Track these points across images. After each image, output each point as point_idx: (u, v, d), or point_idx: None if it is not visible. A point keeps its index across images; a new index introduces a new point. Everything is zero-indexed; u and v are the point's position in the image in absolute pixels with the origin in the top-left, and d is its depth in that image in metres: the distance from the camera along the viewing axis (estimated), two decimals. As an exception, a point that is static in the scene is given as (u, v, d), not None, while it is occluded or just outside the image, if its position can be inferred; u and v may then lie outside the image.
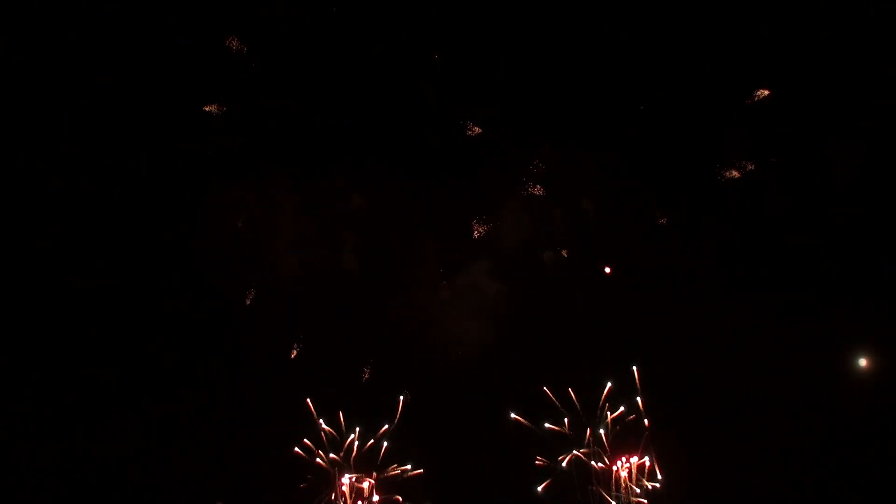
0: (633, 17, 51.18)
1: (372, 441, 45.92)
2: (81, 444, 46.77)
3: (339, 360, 50.00)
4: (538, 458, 45.45)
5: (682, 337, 47.72)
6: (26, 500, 45.66)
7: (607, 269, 50.08)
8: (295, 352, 49.37)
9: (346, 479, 45.27)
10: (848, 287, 48.05)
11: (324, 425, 45.98)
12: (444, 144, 52.24)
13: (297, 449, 45.71)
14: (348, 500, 45.10)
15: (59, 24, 49.22)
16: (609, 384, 45.44)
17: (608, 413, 45.08)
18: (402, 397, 46.58)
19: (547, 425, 45.57)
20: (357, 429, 45.94)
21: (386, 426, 46.19)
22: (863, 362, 46.71)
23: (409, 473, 45.45)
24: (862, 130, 49.18)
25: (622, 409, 45.22)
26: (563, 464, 45.04)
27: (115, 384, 48.32)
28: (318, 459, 45.55)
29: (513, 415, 46.11)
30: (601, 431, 45.16)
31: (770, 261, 49.15)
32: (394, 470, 45.78)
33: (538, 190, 50.71)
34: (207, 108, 50.64)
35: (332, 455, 45.76)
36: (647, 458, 44.51)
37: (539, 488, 44.97)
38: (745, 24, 49.67)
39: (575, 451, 44.96)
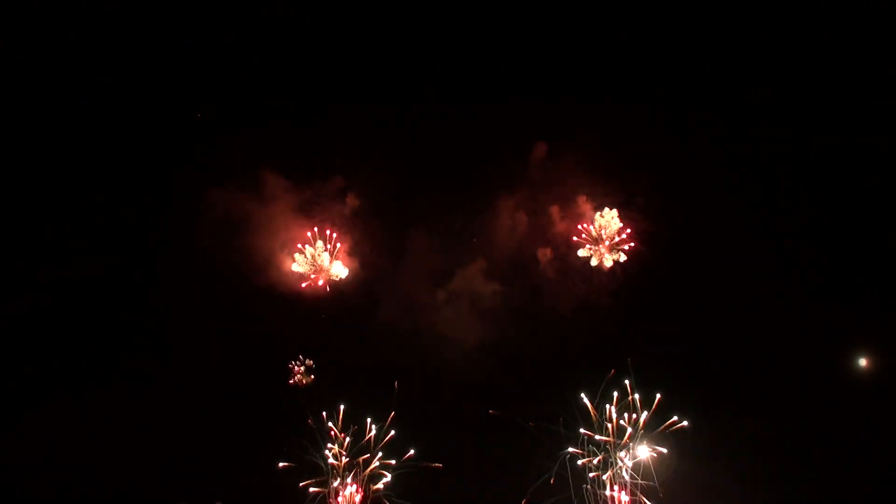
0: (633, 18, 51.46)
1: (370, 436, 45.80)
2: (81, 445, 46.89)
3: (338, 360, 50.16)
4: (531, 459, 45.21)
5: (678, 333, 47.68)
6: (28, 499, 45.96)
7: (608, 265, 49.86)
8: (292, 363, 49.34)
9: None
10: (848, 287, 47.93)
11: (314, 423, 45.98)
12: (443, 144, 52.55)
13: (291, 446, 45.54)
14: (346, 497, 45.05)
15: (59, 24, 49.76)
16: (607, 378, 45.05)
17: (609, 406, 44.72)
18: (395, 386, 46.51)
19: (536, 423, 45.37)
20: (352, 426, 45.85)
21: (381, 424, 46.04)
22: (863, 362, 46.34)
23: (429, 466, 45.25)
24: (861, 131, 49.13)
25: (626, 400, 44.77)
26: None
27: (114, 385, 48.46)
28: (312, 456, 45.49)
29: (490, 411, 46.05)
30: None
31: (770, 260, 49.10)
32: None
33: (535, 189, 51.01)
34: (200, 115, 51.59)
35: (327, 451, 45.70)
36: None
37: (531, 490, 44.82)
38: (742, 23, 49.92)
39: (571, 450, 44.60)
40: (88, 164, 51.44)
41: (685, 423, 43.98)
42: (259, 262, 50.66)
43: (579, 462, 44.27)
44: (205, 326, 49.94)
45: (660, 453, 43.85)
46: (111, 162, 51.94)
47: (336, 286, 51.22)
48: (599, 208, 50.71)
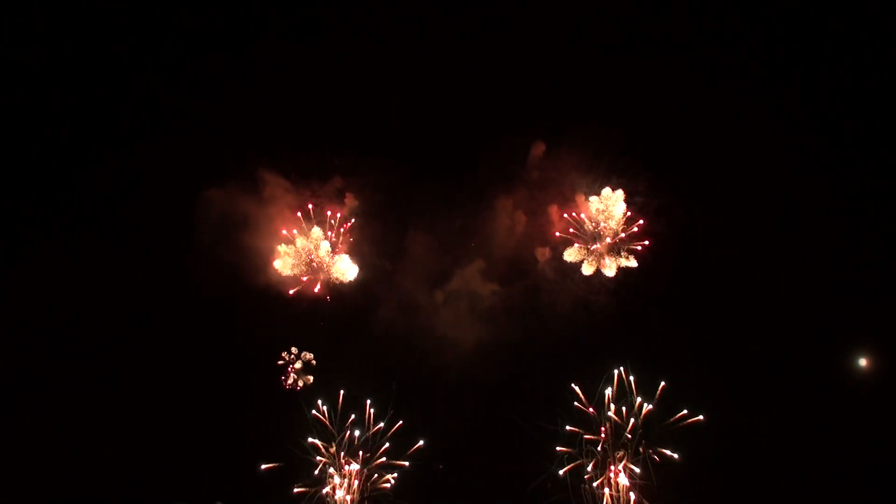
0: (630, 18, 51.83)
1: (369, 433, 45.48)
2: (79, 445, 46.94)
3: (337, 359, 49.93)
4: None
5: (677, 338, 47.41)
6: (26, 500, 45.65)
7: (611, 273, 48.82)
8: (286, 354, 48.89)
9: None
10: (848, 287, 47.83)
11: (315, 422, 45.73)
12: (441, 145, 52.73)
13: (292, 445, 45.33)
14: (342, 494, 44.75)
15: (59, 23, 50.11)
16: (606, 377, 44.82)
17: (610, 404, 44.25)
18: (393, 387, 46.18)
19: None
20: (351, 415, 45.44)
21: (380, 424, 45.84)
22: (863, 362, 46.12)
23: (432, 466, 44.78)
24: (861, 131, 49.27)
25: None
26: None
27: (114, 385, 48.52)
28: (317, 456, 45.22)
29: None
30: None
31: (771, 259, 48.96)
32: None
33: (534, 189, 50.97)
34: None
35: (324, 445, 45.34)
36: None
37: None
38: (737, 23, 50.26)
39: (563, 448, 44.21)
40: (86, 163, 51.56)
41: (700, 416, 42.96)
42: (253, 265, 50.18)
43: (577, 462, 43.99)
44: (203, 328, 49.87)
45: (660, 453, 43.59)
46: (109, 161, 52.00)
47: (337, 290, 49.77)
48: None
